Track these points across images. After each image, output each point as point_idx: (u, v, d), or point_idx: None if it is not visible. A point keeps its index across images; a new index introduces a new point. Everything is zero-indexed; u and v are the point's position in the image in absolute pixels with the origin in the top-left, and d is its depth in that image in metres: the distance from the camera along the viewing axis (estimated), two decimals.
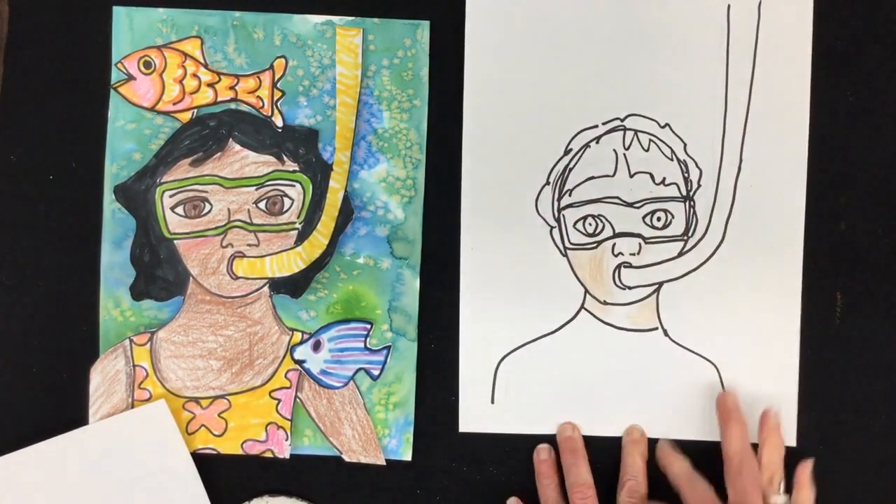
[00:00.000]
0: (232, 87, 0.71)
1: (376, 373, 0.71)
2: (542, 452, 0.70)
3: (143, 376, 0.70)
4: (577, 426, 0.70)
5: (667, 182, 0.70)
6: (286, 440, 0.70)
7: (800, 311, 0.70)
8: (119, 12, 0.71)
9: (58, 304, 0.71)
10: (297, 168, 0.71)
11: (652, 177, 0.70)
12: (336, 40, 0.71)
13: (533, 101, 0.71)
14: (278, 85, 0.71)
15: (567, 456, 0.69)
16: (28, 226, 0.71)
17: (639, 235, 0.70)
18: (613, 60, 0.71)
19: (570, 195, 0.70)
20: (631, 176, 0.70)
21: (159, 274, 0.71)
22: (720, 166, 0.70)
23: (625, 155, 0.70)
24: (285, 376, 0.71)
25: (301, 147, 0.71)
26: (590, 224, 0.70)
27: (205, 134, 0.70)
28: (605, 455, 0.70)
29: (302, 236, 0.70)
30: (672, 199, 0.70)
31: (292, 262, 0.70)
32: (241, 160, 0.70)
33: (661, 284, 0.70)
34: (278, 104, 0.71)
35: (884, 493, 0.69)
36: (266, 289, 0.71)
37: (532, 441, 0.71)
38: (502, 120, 0.71)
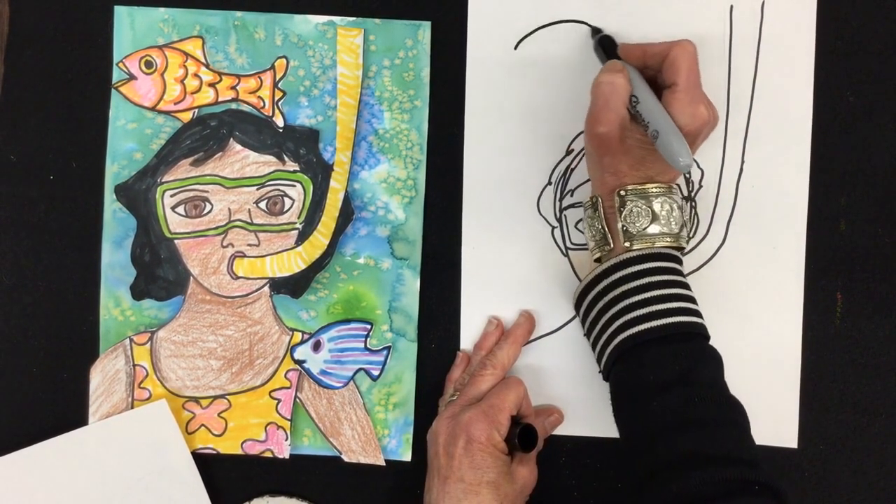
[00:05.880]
0: (233, 87, 0.71)
1: (376, 373, 0.71)
2: (491, 325, 0.70)
3: (143, 376, 0.70)
4: (531, 317, 0.70)
5: None
6: (286, 440, 0.70)
7: (801, 312, 0.70)
8: (120, 12, 0.71)
9: (58, 304, 0.71)
10: (297, 168, 0.71)
11: None
12: (337, 40, 0.71)
13: (534, 101, 0.71)
14: (279, 85, 0.71)
15: (504, 338, 0.69)
16: (28, 226, 0.71)
17: None
18: None
19: (571, 195, 0.70)
20: None
21: (160, 273, 0.70)
22: (722, 167, 0.70)
23: None
24: (285, 376, 0.70)
25: (302, 147, 0.71)
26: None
27: (206, 134, 0.70)
28: (605, 455, 0.70)
29: (302, 236, 0.70)
30: None
31: (293, 262, 0.70)
32: (241, 160, 0.70)
33: None
34: (279, 104, 0.71)
35: (884, 493, 0.69)
36: (266, 289, 0.71)
37: None
38: (503, 120, 0.71)
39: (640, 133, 0.61)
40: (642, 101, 0.61)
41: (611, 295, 0.61)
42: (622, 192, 0.60)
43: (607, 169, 0.62)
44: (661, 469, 0.56)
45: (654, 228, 0.60)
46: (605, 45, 0.67)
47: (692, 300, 0.61)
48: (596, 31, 0.69)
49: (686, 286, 0.61)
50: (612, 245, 0.62)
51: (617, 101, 0.60)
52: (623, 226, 0.60)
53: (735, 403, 0.58)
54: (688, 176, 0.70)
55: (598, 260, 0.63)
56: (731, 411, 0.58)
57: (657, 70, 0.63)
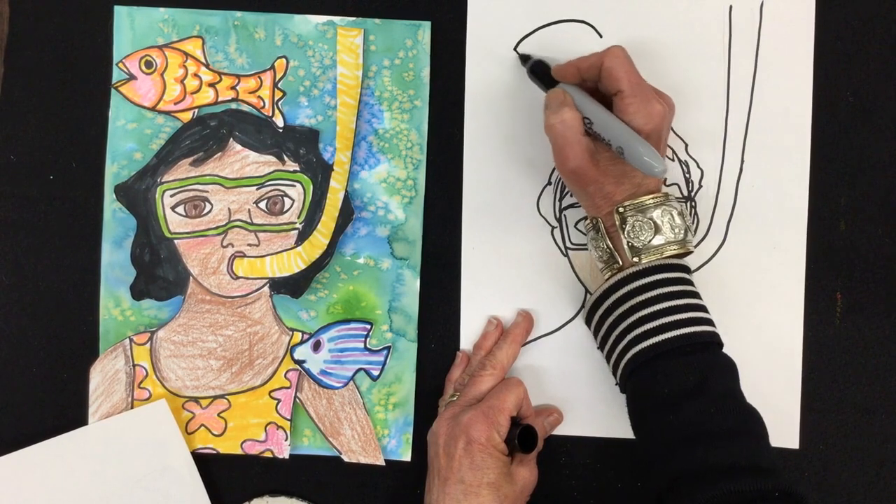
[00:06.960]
0: (233, 87, 0.71)
1: (376, 373, 0.71)
2: (491, 325, 0.70)
3: (143, 376, 0.70)
4: (529, 317, 0.70)
5: (668, 182, 0.70)
6: (285, 440, 0.70)
7: (802, 312, 0.70)
8: (120, 12, 0.71)
9: (58, 304, 0.71)
10: (297, 168, 0.71)
11: None
12: (337, 40, 0.71)
13: (534, 101, 0.70)
14: (279, 85, 0.71)
15: (502, 338, 0.69)
16: (28, 226, 0.71)
17: None
18: None
19: (571, 195, 0.70)
20: None
21: (159, 273, 0.70)
22: (721, 167, 0.70)
23: None
24: (285, 376, 0.70)
25: (302, 147, 0.71)
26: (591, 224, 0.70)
27: (206, 134, 0.70)
28: (605, 455, 0.70)
29: (302, 236, 0.70)
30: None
31: (292, 262, 0.70)
32: (241, 160, 0.70)
33: None
34: (279, 104, 0.71)
35: (884, 493, 0.69)
36: (266, 289, 0.71)
37: None
38: (503, 120, 0.71)
39: (609, 150, 0.61)
40: (596, 121, 0.61)
41: (620, 310, 0.61)
42: (621, 210, 0.61)
43: (594, 195, 0.62)
44: (680, 481, 0.56)
45: (658, 240, 0.60)
46: (539, 71, 0.67)
47: (702, 308, 0.61)
48: (525, 58, 0.69)
49: (695, 295, 0.61)
50: (620, 263, 0.62)
51: (574, 134, 0.61)
52: (628, 242, 0.61)
53: (751, 412, 0.58)
54: (688, 176, 0.70)
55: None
56: (747, 420, 0.58)
57: (595, 81, 0.63)
